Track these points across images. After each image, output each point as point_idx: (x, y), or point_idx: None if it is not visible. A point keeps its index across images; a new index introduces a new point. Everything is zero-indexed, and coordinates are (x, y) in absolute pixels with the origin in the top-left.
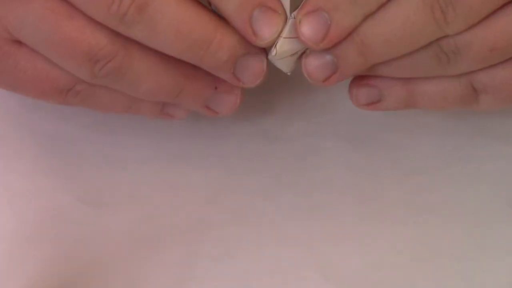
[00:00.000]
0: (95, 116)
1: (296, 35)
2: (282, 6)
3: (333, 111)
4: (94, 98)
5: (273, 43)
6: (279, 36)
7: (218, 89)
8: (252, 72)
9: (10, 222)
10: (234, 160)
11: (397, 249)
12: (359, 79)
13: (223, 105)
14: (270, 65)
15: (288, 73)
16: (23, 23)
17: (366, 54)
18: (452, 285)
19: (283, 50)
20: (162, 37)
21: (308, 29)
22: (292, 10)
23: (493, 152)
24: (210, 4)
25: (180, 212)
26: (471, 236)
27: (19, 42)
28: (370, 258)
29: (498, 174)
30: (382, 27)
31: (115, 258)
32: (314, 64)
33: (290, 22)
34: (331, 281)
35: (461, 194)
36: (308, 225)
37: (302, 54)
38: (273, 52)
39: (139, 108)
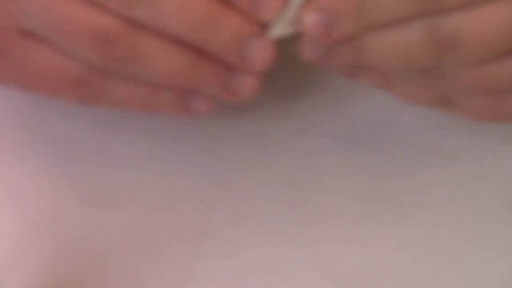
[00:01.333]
0: (96, 116)
1: (295, 21)
2: None
3: (333, 111)
4: (109, 91)
5: (275, 21)
6: (280, 17)
7: (236, 68)
8: (260, 54)
9: (10, 222)
10: (234, 160)
11: (397, 249)
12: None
13: (243, 86)
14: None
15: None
16: (28, 10)
17: (360, 58)
18: (452, 285)
19: (281, 33)
20: (166, 17)
21: (311, 24)
22: None
23: (494, 152)
24: None
25: (180, 212)
26: (471, 236)
27: (27, 34)
28: (370, 258)
29: (498, 174)
30: (384, 44)
31: (115, 258)
32: (309, 48)
33: (292, 3)
34: (331, 281)
35: (461, 194)
36: (308, 225)
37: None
38: (271, 33)
39: (156, 101)
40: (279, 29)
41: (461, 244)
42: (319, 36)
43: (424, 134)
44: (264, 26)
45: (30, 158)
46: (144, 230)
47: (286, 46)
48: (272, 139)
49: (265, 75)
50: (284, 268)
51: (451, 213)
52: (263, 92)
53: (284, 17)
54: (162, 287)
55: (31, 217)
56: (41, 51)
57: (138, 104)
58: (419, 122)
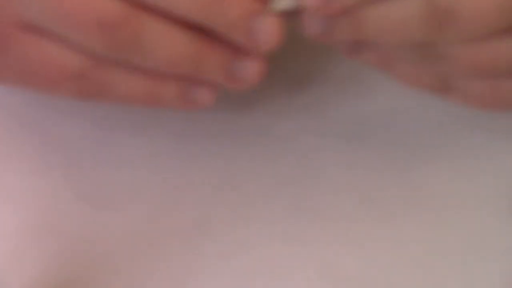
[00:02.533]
0: (96, 116)
1: None
2: None
3: (333, 109)
4: (111, 84)
5: None
6: None
7: (241, 54)
8: (268, 31)
9: (10, 221)
10: (234, 159)
11: (396, 249)
12: None
13: (248, 73)
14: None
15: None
16: (29, 1)
17: (357, 31)
18: (452, 285)
19: (283, 7)
20: None
21: None
22: None
23: (494, 150)
24: None
25: (180, 212)
26: (471, 235)
27: (27, 27)
28: (370, 258)
29: (498, 172)
30: (381, 16)
31: (116, 257)
32: (310, 23)
33: None
34: (330, 281)
35: (461, 193)
36: (308, 225)
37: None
38: (273, 7)
39: (159, 93)
40: (282, 3)
41: (460, 243)
42: (319, 8)
43: (424, 133)
44: (267, 2)
45: (29, 158)
46: (144, 230)
47: (287, 46)
48: (272, 138)
49: (266, 73)
50: (283, 268)
51: (451, 212)
52: (263, 92)
53: None
54: (162, 287)
55: (31, 217)
56: (41, 44)
57: (140, 98)
58: (419, 121)
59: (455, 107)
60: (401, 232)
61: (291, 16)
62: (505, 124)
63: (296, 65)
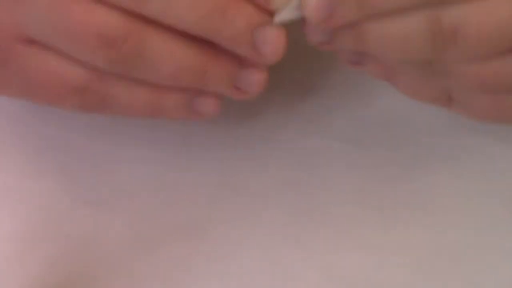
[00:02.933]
0: (95, 117)
1: (300, 6)
2: None
3: (333, 111)
4: (114, 97)
5: (283, 5)
6: (286, 2)
7: (244, 64)
8: (272, 43)
9: (10, 222)
10: (234, 160)
11: (397, 250)
12: None
13: (251, 83)
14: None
15: None
16: (32, 13)
17: (360, 44)
18: (453, 285)
19: (286, 18)
20: (178, 9)
21: (314, 8)
22: None
23: (494, 152)
24: None
25: (180, 212)
26: (471, 236)
27: (30, 41)
28: (370, 259)
29: (498, 174)
30: (383, 32)
31: (115, 258)
32: (312, 32)
33: None
34: (331, 281)
35: (461, 195)
36: (308, 225)
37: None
38: (277, 19)
39: (163, 105)
40: (285, 15)
41: (461, 244)
42: (321, 21)
43: (426, 136)
44: (270, 13)
45: (28, 159)
46: (144, 230)
47: (289, 52)
48: (275, 141)
49: (270, 76)
50: (284, 270)
51: (452, 214)
52: (266, 96)
53: (290, 2)
54: (162, 287)
55: (30, 218)
56: (43, 58)
57: (143, 110)
58: (420, 125)
59: None
60: (402, 234)
61: (294, 24)
62: (506, 126)
63: (298, 71)
